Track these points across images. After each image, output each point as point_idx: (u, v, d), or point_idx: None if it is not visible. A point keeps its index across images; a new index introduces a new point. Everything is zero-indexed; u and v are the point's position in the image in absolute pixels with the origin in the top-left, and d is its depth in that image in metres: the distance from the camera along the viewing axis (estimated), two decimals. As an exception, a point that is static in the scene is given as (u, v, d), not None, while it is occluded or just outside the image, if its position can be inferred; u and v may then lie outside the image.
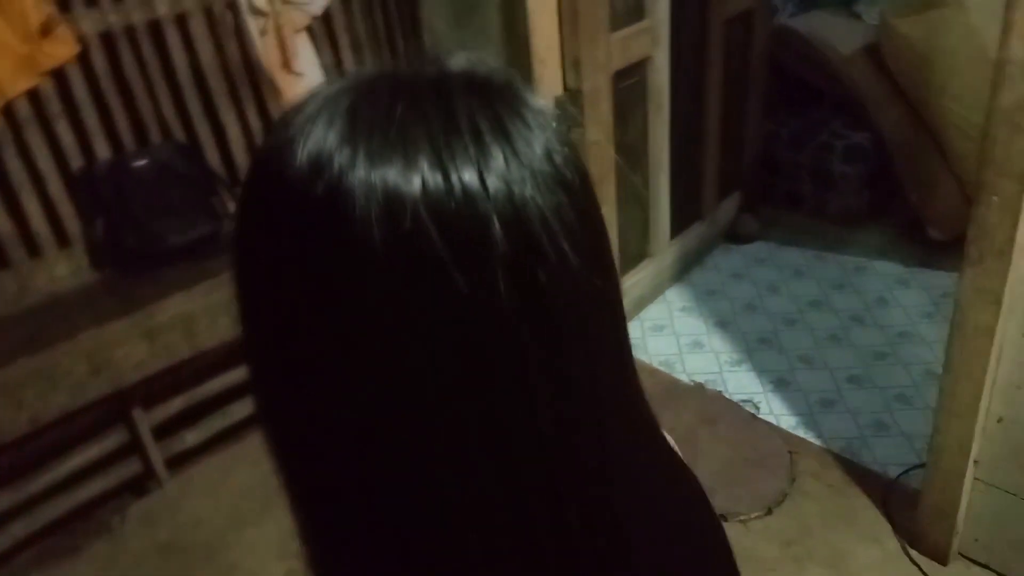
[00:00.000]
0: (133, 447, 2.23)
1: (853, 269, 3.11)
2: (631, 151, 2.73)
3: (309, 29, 2.33)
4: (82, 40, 2.02)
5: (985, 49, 2.52)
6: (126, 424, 2.19)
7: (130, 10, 2.10)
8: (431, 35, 2.44)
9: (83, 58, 2.04)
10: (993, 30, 1.59)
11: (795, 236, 3.34)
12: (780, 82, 3.40)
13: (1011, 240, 1.52)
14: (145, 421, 2.20)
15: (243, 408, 2.35)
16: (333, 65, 2.45)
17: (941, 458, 1.81)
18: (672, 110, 2.78)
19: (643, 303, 2.99)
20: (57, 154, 2.09)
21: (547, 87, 2.27)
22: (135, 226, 2.16)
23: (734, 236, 3.37)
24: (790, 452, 2.26)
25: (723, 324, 2.88)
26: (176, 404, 2.27)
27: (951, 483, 1.81)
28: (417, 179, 0.36)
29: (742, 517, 2.07)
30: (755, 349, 2.73)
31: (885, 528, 2.00)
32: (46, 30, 1.93)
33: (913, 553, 1.93)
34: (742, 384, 2.58)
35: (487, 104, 0.40)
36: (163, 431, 2.27)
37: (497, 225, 0.37)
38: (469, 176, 0.37)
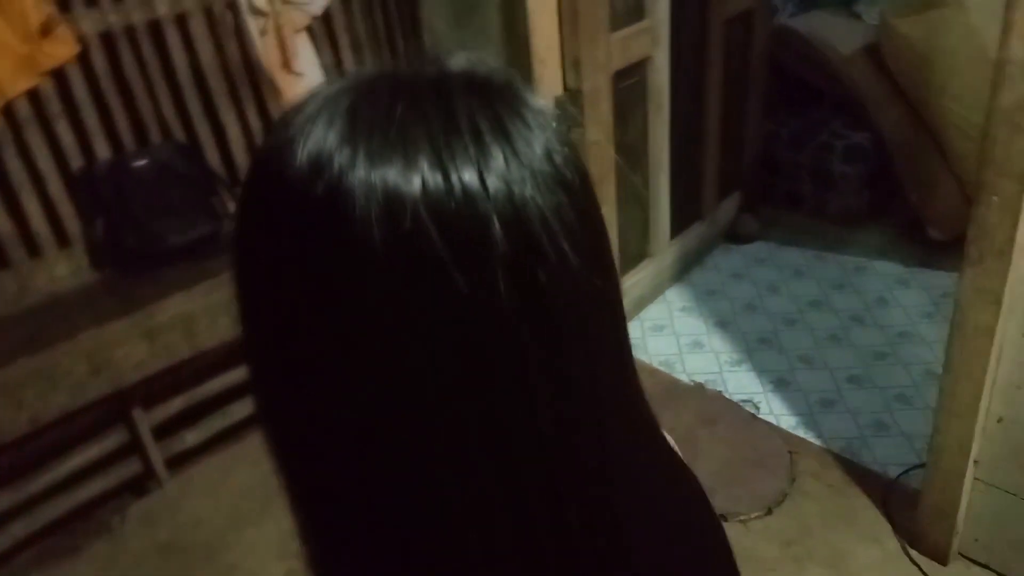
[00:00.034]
0: (133, 447, 2.23)
1: (853, 269, 3.11)
2: (631, 151, 2.73)
3: (309, 29, 2.33)
4: (82, 40, 2.02)
5: (985, 49, 2.52)
6: (126, 424, 2.19)
7: (130, 10, 2.10)
8: (431, 35, 2.44)
9: (83, 58, 2.04)
10: (993, 30, 1.59)
11: (795, 236, 3.34)
12: (780, 82, 3.40)
13: (1011, 240, 1.52)
14: (145, 421, 2.20)
15: (243, 408, 2.36)
16: (333, 65, 2.45)
17: (941, 458, 1.81)
18: (672, 110, 2.78)
19: (643, 303, 2.99)
20: (57, 154, 2.09)
21: (547, 87, 2.27)
22: (135, 226, 2.16)
23: (734, 236, 3.37)
24: (790, 452, 2.26)
25: (723, 324, 2.88)
26: (176, 404, 2.27)
27: (951, 483, 1.82)
28: (417, 179, 0.36)
29: (742, 517, 2.07)
30: (755, 349, 2.74)
31: (885, 528, 2.01)
32: (46, 30, 1.93)
33: (913, 553, 1.93)
34: (742, 384, 2.58)
35: (487, 104, 0.40)
36: (163, 431, 2.28)
37: (497, 225, 0.37)
38: (469, 176, 0.37)
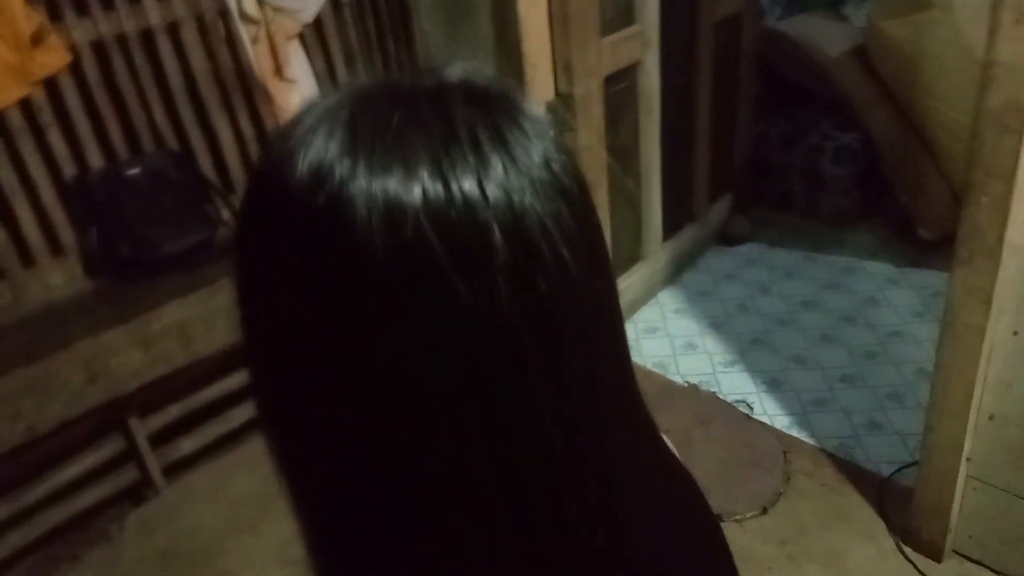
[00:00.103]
0: (130, 455, 2.23)
1: (844, 269, 3.13)
2: (623, 154, 2.74)
3: (301, 36, 2.33)
4: (73, 49, 2.02)
5: (971, 50, 2.55)
6: (123, 432, 2.19)
7: (121, 19, 2.10)
8: (423, 41, 2.44)
9: (75, 67, 2.04)
10: (979, 31, 1.61)
11: (786, 237, 3.36)
12: (769, 85, 3.42)
13: (1000, 239, 1.53)
14: (142, 429, 2.20)
15: (240, 415, 2.36)
16: (325, 72, 2.45)
17: (934, 456, 1.82)
18: (663, 113, 2.80)
19: (636, 305, 3.00)
20: (50, 163, 2.08)
21: (539, 92, 2.28)
22: (129, 234, 2.16)
23: (726, 238, 3.38)
24: (784, 452, 2.27)
25: (716, 325, 2.90)
26: (173, 412, 2.27)
27: (944, 481, 1.83)
28: (418, 188, 0.37)
29: (738, 517, 2.08)
30: (748, 350, 2.75)
31: (879, 526, 2.02)
32: (37, 40, 1.92)
33: (907, 550, 1.94)
34: (736, 385, 2.59)
35: (485, 114, 0.40)
36: (160, 439, 2.28)
37: (497, 233, 0.37)
38: (469, 185, 0.37)
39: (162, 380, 2.12)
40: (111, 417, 2.14)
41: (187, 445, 2.32)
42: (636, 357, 2.74)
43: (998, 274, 1.56)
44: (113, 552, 2.16)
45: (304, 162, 0.39)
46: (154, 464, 2.26)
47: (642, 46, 2.63)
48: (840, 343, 2.73)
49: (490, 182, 0.38)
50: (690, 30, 2.88)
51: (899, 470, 2.16)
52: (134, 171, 2.16)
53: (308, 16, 2.29)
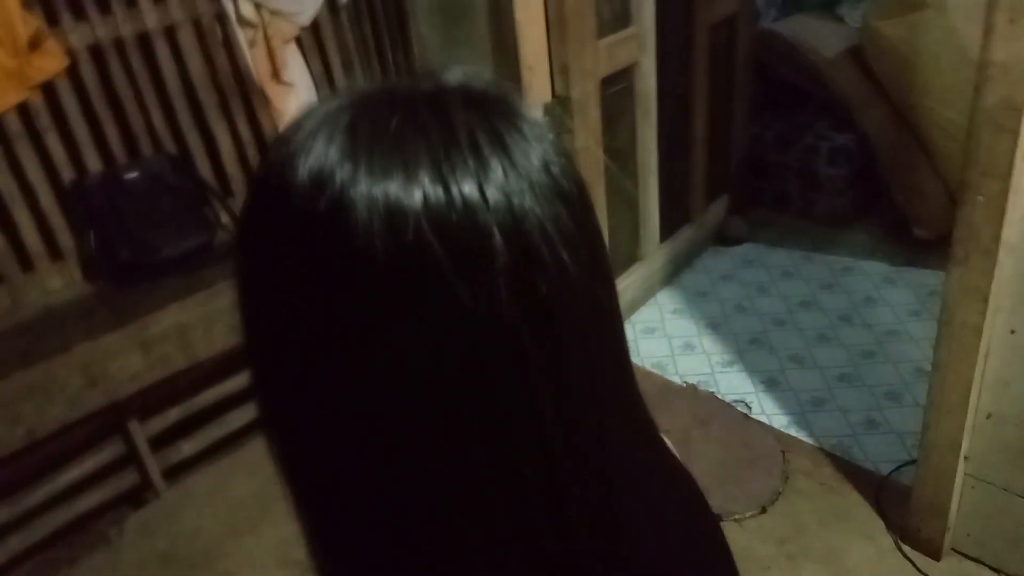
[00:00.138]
0: (130, 458, 2.23)
1: (841, 269, 3.13)
2: (620, 156, 2.75)
3: (298, 39, 2.34)
4: (71, 54, 2.02)
5: (966, 50, 2.56)
6: (122, 436, 2.19)
7: (119, 23, 2.10)
8: (420, 44, 2.45)
9: (72, 71, 2.04)
10: (974, 31, 1.61)
11: (783, 237, 3.36)
12: (765, 86, 3.43)
13: (996, 239, 1.54)
14: (141, 432, 2.20)
15: (239, 417, 2.36)
16: (323, 75, 2.46)
17: (932, 454, 1.83)
18: (659, 115, 2.80)
19: (634, 306, 3.00)
20: (48, 168, 2.09)
21: (536, 94, 2.28)
22: (128, 238, 2.16)
23: (723, 238, 3.39)
24: (783, 451, 2.27)
25: (714, 325, 2.90)
26: (172, 415, 2.27)
27: (942, 479, 1.83)
28: (418, 192, 0.37)
29: (737, 516, 2.09)
30: (746, 350, 2.75)
31: (878, 525, 2.02)
32: (34, 44, 1.93)
33: (906, 549, 1.95)
34: (734, 385, 2.60)
35: (484, 117, 0.40)
36: (160, 442, 2.28)
37: (498, 236, 0.38)
38: (469, 188, 0.38)
39: (161, 383, 2.12)
40: (111, 420, 2.14)
41: (187, 448, 2.32)
42: (634, 357, 2.74)
43: (994, 273, 1.57)
44: (113, 555, 2.17)
45: (305, 167, 0.39)
46: (154, 467, 2.26)
47: (638, 48, 2.63)
48: (838, 343, 2.74)
49: (490, 185, 0.38)
50: (686, 32, 2.88)
51: (897, 469, 2.16)
52: (132, 175, 2.17)
53: (305, 19, 2.29)
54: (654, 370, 2.69)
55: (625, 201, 2.84)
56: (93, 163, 2.15)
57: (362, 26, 2.49)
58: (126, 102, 2.17)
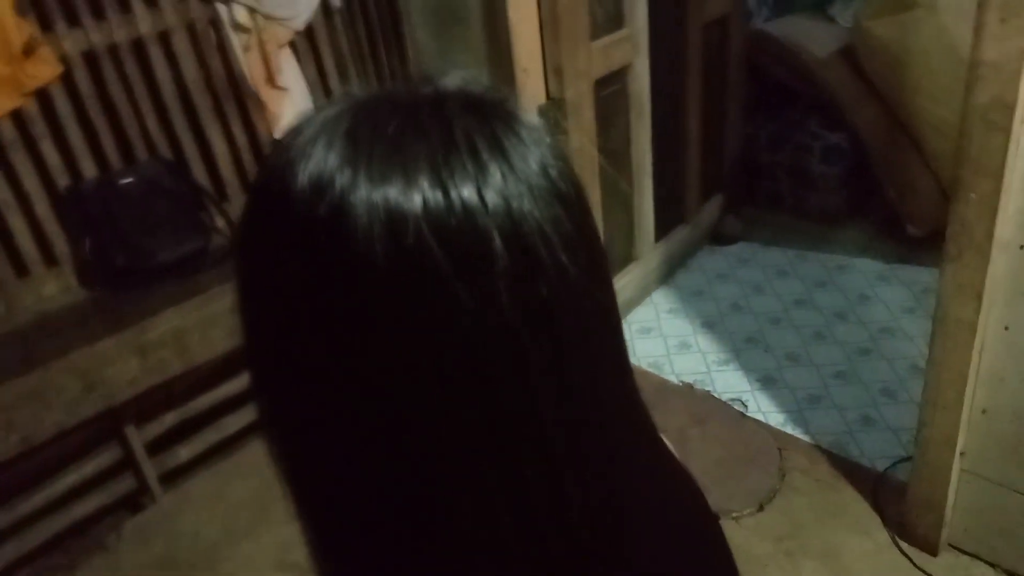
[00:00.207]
0: (127, 463, 2.23)
1: (835, 267, 3.15)
2: (614, 157, 2.75)
3: (292, 44, 2.34)
4: (65, 60, 2.02)
5: (957, 49, 2.56)
6: (119, 441, 2.19)
7: (112, 28, 2.10)
8: (414, 47, 2.45)
9: (66, 78, 2.04)
10: (964, 30, 1.62)
11: (777, 236, 3.37)
12: (758, 85, 3.44)
13: (989, 235, 1.54)
14: (138, 437, 2.20)
15: (236, 422, 2.36)
16: (317, 79, 2.46)
17: (928, 450, 1.84)
18: (653, 116, 2.81)
19: (630, 306, 3.01)
20: (43, 174, 2.08)
21: (530, 96, 2.29)
22: (124, 243, 2.16)
23: (717, 237, 3.40)
24: (779, 449, 2.28)
25: (710, 324, 2.91)
26: (169, 419, 2.27)
27: (938, 475, 1.84)
28: (418, 197, 0.37)
29: (734, 514, 2.10)
30: (742, 348, 2.76)
31: (875, 521, 2.03)
32: (28, 51, 1.93)
33: (903, 544, 1.96)
34: (730, 383, 2.60)
35: (483, 122, 0.41)
36: (156, 447, 2.27)
37: (497, 239, 0.38)
38: (468, 192, 0.38)
39: (158, 388, 2.12)
40: (107, 426, 2.14)
41: (184, 453, 2.32)
42: (631, 357, 2.74)
43: (988, 270, 1.57)
44: (111, 560, 2.16)
45: (304, 173, 0.39)
46: (151, 472, 2.26)
47: (632, 49, 2.64)
48: (833, 340, 2.75)
49: (489, 189, 0.38)
50: (679, 33, 2.89)
51: (893, 465, 2.17)
52: (127, 180, 2.17)
53: (299, 24, 2.30)
54: (650, 369, 2.70)
55: (620, 201, 2.84)
56: (88, 169, 2.15)
57: (356, 30, 2.50)
58: (121, 108, 2.17)
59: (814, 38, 3.27)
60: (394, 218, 0.37)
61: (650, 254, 3.05)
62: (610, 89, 2.62)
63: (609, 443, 0.45)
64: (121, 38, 2.12)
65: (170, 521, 2.25)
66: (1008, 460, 1.76)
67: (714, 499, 2.12)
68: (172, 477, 2.34)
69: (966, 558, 1.91)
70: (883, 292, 2.96)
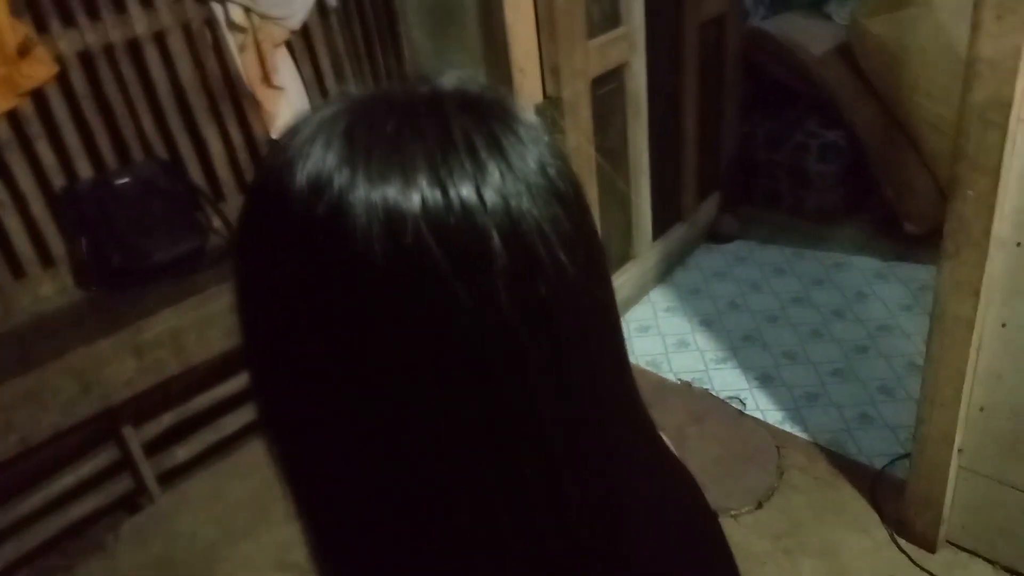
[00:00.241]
0: (124, 464, 2.22)
1: (832, 265, 3.15)
2: (611, 156, 2.75)
3: (288, 43, 2.34)
4: (60, 60, 2.02)
5: (954, 46, 2.57)
6: (117, 441, 2.18)
7: (108, 29, 2.10)
8: (410, 47, 2.45)
9: (62, 78, 2.04)
10: (961, 28, 1.62)
11: (774, 234, 3.37)
12: (755, 84, 3.44)
13: (987, 233, 1.55)
14: (135, 438, 2.20)
15: (234, 422, 2.36)
16: (313, 79, 2.46)
17: (925, 448, 1.84)
18: (650, 114, 2.81)
19: (628, 304, 3.01)
20: (39, 174, 2.08)
21: (527, 95, 2.29)
22: (120, 244, 2.15)
23: (715, 236, 3.40)
24: (777, 447, 2.28)
25: (707, 323, 2.91)
26: (166, 420, 2.27)
27: (936, 472, 1.84)
28: (416, 196, 0.37)
29: (733, 512, 2.10)
30: (739, 346, 2.76)
31: (873, 518, 2.03)
32: (24, 51, 1.92)
33: (901, 542, 1.96)
34: (728, 381, 2.60)
35: (481, 121, 0.41)
36: (154, 447, 2.27)
37: (496, 238, 0.38)
38: (467, 191, 0.38)
39: (155, 388, 2.12)
40: (105, 426, 2.14)
41: (181, 453, 2.32)
42: (629, 356, 2.75)
43: (985, 267, 1.58)
44: (108, 561, 2.16)
45: (303, 173, 0.39)
46: (148, 472, 2.25)
47: (628, 48, 2.64)
48: (830, 338, 2.75)
49: (487, 188, 0.38)
50: (675, 31, 2.89)
51: (891, 462, 2.18)
52: (123, 180, 2.16)
53: (295, 23, 2.29)
54: (648, 368, 2.70)
55: (617, 200, 2.84)
56: (84, 169, 2.14)
57: (352, 29, 2.49)
58: (116, 108, 2.16)
59: (811, 36, 3.28)
60: (393, 217, 0.37)
61: (647, 252, 3.05)
62: (607, 88, 2.62)
63: (608, 441, 0.45)
64: (116, 38, 2.12)
65: (168, 522, 2.25)
66: (1006, 457, 1.76)
67: (713, 497, 2.11)
68: (170, 477, 2.34)
69: (964, 555, 1.91)
70: (881, 290, 2.96)
